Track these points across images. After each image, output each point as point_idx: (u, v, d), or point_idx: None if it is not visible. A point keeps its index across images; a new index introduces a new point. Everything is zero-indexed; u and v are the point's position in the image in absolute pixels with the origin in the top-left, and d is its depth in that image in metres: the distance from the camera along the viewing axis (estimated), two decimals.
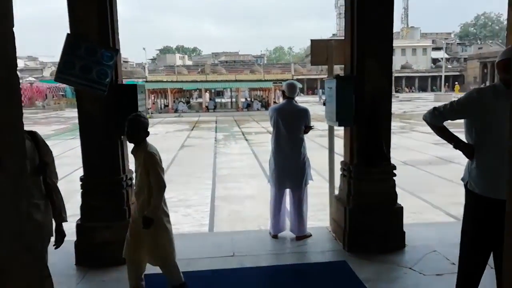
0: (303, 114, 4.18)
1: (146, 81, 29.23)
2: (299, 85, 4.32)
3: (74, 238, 3.55)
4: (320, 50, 4.41)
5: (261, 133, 16.65)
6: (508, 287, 1.29)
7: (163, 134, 16.74)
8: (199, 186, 7.61)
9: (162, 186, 2.75)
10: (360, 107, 3.78)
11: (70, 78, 3.38)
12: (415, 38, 73.67)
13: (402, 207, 3.93)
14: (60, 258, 3.49)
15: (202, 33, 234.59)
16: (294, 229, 4.22)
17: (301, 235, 4.18)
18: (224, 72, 47.44)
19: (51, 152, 2.50)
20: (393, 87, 24.15)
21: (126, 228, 2.96)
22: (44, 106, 39.26)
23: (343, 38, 4.09)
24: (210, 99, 34.19)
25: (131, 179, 3.78)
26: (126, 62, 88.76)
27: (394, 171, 3.91)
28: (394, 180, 3.94)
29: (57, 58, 3.63)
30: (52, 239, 2.48)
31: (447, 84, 53.87)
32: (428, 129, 2.70)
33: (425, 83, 65.99)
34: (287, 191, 4.26)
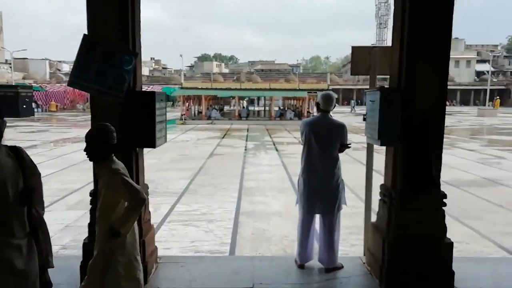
0: (340, 130, 3.70)
1: (181, 88, 29.69)
2: (335, 96, 3.84)
3: (81, 258, 3.25)
4: (362, 58, 3.95)
5: (292, 143, 16.16)
6: None
7: (194, 141, 16.67)
8: (224, 198, 7.24)
9: (142, 199, 2.31)
10: (407, 124, 3.28)
11: (84, 83, 3.12)
12: (459, 49, 70.72)
13: (452, 243, 3.37)
14: (64, 278, 3.27)
15: (240, 42, 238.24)
16: (323, 260, 3.74)
17: (331, 267, 3.69)
18: (259, 80, 47.49)
19: (39, 173, 2.02)
20: None
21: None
22: (84, 109, 40.70)
23: (388, 45, 3.62)
24: (243, 107, 34.16)
25: (146, 194, 3.46)
26: (165, 68, 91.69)
27: (444, 200, 3.37)
28: (443, 210, 3.39)
29: None
30: None
31: (495, 98, 51.06)
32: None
33: (467, 97, 63.61)
34: (317, 216, 3.79)
